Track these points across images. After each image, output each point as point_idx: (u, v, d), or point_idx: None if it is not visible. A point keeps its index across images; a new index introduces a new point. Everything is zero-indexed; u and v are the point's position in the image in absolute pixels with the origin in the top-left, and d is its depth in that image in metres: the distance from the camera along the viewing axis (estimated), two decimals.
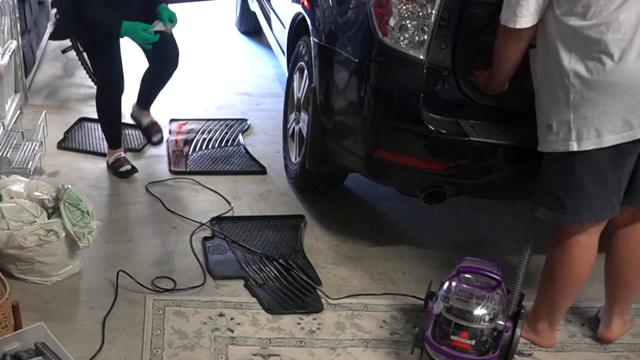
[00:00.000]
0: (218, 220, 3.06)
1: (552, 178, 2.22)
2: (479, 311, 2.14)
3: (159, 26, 3.16)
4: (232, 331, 2.42)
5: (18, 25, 3.75)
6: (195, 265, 2.75)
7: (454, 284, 2.22)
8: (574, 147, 2.11)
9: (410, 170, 2.56)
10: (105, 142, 3.51)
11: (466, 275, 2.23)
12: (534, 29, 2.18)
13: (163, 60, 3.46)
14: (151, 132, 3.67)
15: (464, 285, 2.20)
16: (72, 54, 4.45)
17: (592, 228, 2.24)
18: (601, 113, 2.05)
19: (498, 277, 2.21)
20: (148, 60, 3.50)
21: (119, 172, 3.36)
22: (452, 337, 2.13)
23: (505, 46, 2.26)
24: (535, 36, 2.21)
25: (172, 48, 3.44)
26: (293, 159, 3.34)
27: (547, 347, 2.43)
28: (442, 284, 2.26)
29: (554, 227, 2.31)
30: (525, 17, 2.14)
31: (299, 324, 2.48)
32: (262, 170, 3.55)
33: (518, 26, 2.16)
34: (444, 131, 2.44)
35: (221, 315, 2.49)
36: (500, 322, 2.15)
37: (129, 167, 3.38)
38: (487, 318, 2.13)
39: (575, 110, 2.09)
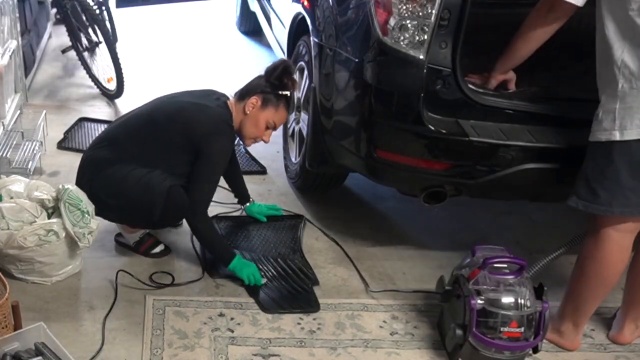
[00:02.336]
0: (217, 219, 3.06)
1: (591, 168, 2.21)
2: (521, 298, 2.19)
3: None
4: (232, 331, 2.41)
5: (18, 25, 3.75)
6: (195, 264, 2.75)
7: (484, 276, 2.24)
8: (616, 136, 2.10)
9: (410, 170, 2.56)
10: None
11: (494, 266, 2.26)
12: (571, 11, 2.20)
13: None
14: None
15: (496, 276, 2.24)
16: (72, 54, 4.45)
17: (627, 225, 2.22)
18: None
19: (522, 261, 2.25)
20: None
21: (152, 253, 2.79)
22: (502, 328, 2.18)
23: (538, 20, 2.29)
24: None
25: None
26: (293, 159, 3.34)
27: (571, 349, 2.43)
28: (469, 278, 2.27)
29: (589, 223, 2.30)
30: None
31: (299, 324, 2.48)
32: (262, 170, 3.55)
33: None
34: (444, 131, 2.44)
35: (221, 315, 2.49)
36: (539, 303, 2.21)
37: (162, 246, 2.82)
38: (528, 303, 2.19)
39: (622, 100, 2.08)
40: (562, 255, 2.44)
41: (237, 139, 2.80)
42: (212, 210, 3.10)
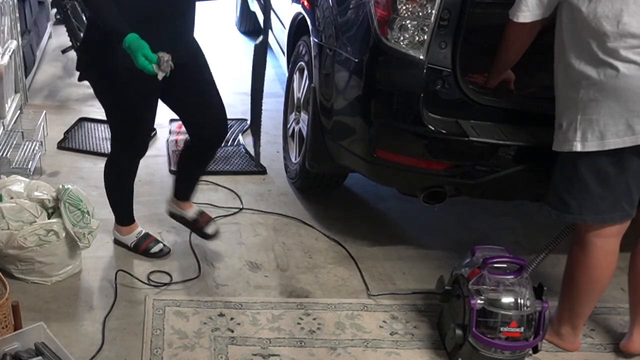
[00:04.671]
0: None
1: (559, 178, 2.24)
2: (521, 298, 2.20)
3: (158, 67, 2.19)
4: (232, 331, 2.41)
5: (18, 25, 3.75)
6: (193, 264, 2.76)
7: (484, 276, 2.24)
8: (578, 147, 2.11)
9: (410, 170, 2.56)
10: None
11: (494, 266, 2.26)
12: (537, 26, 2.22)
13: (201, 127, 2.62)
14: (202, 224, 2.84)
15: (496, 276, 2.24)
16: (72, 54, 4.45)
17: (608, 230, 2.22)
18: (606, 115, 2.06)
19: (522, 261, 2.26)
20: (187, 131, 2.70)
21: (151, 253, 2.77)
22: (502, 328, 2.19)
23: (508, 38, 2.32)
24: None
25: (212, 112, 2.58)
26: (293, 159, 3.34)
27: (571, 350, 2.43)
28: (469, 278, 2.27)
29: (574, 230, 2.32)
30: (524, 12, 2.19)
31: (298, 324, 2.48)
32: (262, 170, 3.55)
33: (515, 20, 2.22)
34: (444, 131, 2.44)
35: (221, 315, 2.49)
36: (539, 303, 2.22)
37: (160, 246, 2.79)
38: (528, 303, 2.20)
39: (582, 111, 2.09)
40: (557, 246, 2.44)
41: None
42: (209, 212, 3.10)
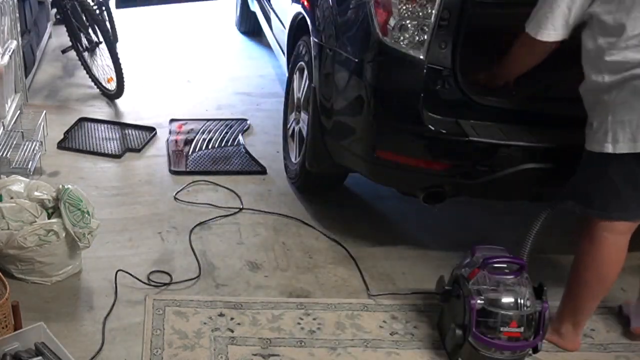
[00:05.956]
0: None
1: (587, 175, 2.21)
2: (521, 298, 2.20)
3: None
4: (232, 331, 2.41)
5: (18, 25, 3.75)
6: (193, 264, 2.75)
7: (484, 276, 2.25)
8: (609, 148, 2.10)
9: (410, 170, 2.56)
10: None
11: (493, 266, 2.26)
12: (556, 45, 2.20)
13: None
14: None
15: (495, 276, 2.24)
16: (72, 54, 4.45)
17: (622, 227, 2.22)
18: (638, 117, 2.04)
19: (522, 261, 2.26)
20: None
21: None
22: (502, 328, 2.19)
23: (522, 51, 2.30)
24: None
25: None
26: (293, 159, 3.34)
27: (572, 350, 2.42)
28: (469, 278, 2.27)
29: (583, 224, 2.30)
30: (549, 31, 2.16)
31: (299, 324, 2.48)
32: (262, 170, 3.55)
33: (539, 38, 2.19)
34: (444, 131, 2.44)
35: (221, 315, 2.49)
36: (539, 303, 2.21)
37: None
38: (528, 303, 2.20)
39: (613, 113, 2.08)
40: (544, 220, 2.42)
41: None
42: (209, 212, 3.12)
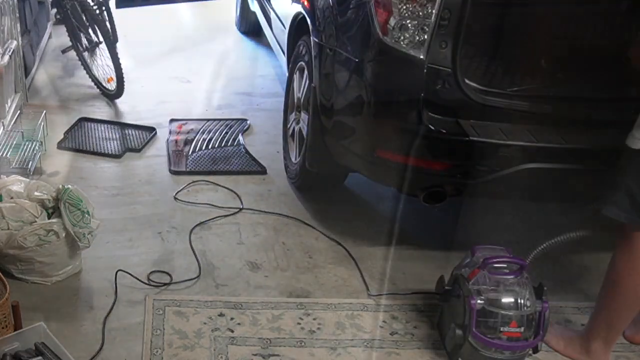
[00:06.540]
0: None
1: (635, 177, 2.07)
2: (521, 298, 2.20)
3: None
4: (232, 331, 2.41)
5: (18, 25, 3.75)
6: (193, 264, 2.75)
7: (484, 276, 2.25)
8: None
9: (410, 170, 2.56)
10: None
11: (493, 266, 2.26)
12: None
13: None
14: None
15: (495, 276, 2.24)
16: (72, 54, 4.45)
17: None
18: None
19: (522, 261, 2.26)
20: None
21: None
22: (502, 328, 2.19)
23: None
24: None
25: None
26: (293, 159, 3.34)
27: None
28: (469, 278, 2.27)
29: (621, 235, 2.18)
30: None
31: (299, 324, 2.48)
32: (262, 170, 3.55)
33: None
34: (444, 131, 2.44)
35: (221, 315, 2.49)
36: (539, 303, 2.21)
37: None
38: (528, 303, 2.20)
39: None
40: (560, 244, 2.37)
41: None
42: (209, 212, 3.11)
